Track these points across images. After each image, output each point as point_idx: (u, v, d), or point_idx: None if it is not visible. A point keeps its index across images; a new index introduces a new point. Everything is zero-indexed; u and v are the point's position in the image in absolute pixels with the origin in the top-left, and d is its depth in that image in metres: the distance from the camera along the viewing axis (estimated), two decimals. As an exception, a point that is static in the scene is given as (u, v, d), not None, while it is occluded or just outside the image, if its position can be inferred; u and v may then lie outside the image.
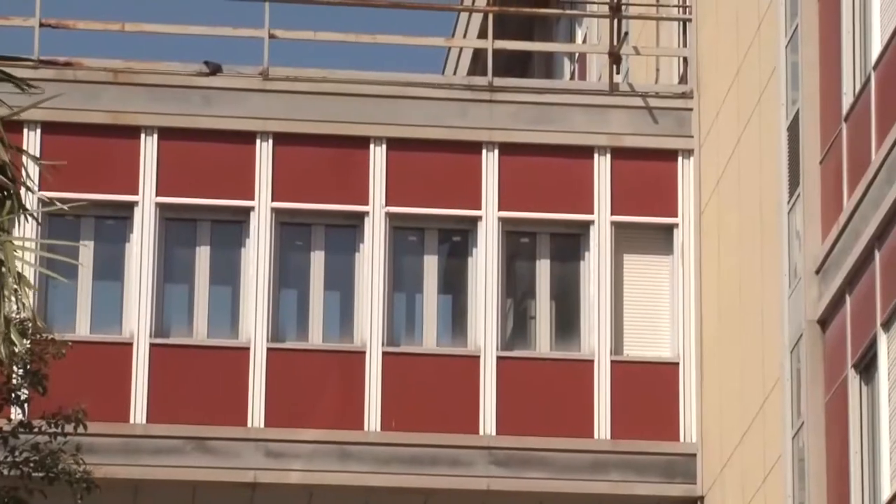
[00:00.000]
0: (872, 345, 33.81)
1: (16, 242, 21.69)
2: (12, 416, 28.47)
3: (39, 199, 24.99)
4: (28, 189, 23.12)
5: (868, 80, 34.59)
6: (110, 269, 39.94)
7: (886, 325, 33.32)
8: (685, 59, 43.78)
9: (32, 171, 26.01)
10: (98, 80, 40.03)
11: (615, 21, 45.32)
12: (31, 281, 22.70)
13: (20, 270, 22.32)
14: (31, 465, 29.37)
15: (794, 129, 37.43)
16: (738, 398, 39.51)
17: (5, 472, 28.47)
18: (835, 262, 35.17)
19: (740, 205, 40.04)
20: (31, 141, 34.04)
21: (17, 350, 23.44)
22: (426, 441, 39.71)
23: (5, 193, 22.76)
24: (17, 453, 29.14)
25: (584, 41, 50.17)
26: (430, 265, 41.29)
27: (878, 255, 33.82)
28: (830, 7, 36.50)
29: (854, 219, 34.31)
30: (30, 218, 24.35)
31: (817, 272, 35.82)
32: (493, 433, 40.13)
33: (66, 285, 37.25)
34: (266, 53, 41.15)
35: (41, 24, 39.82)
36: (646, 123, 41.86)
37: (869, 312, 34.00)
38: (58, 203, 25.39)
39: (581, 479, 40.38)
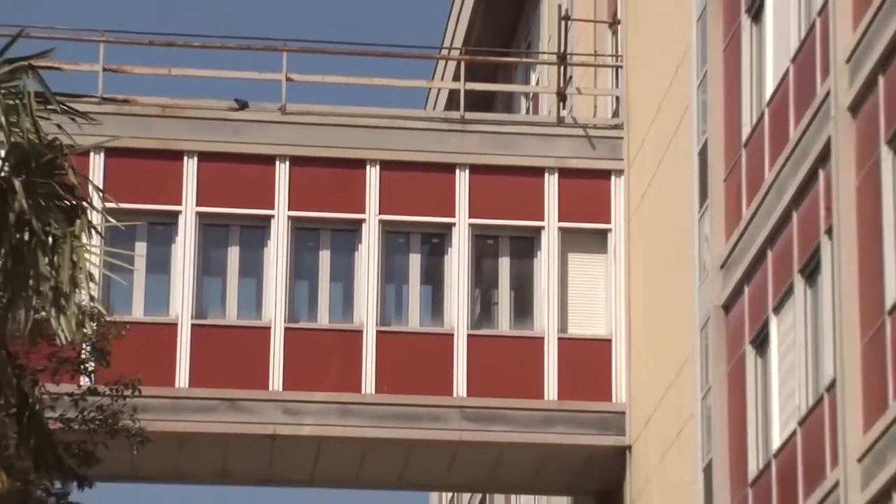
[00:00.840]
0: (765, 326, 34.21)
1: (86, 248, 21.89)
2: (81, 384, 28.33)
3: (103, 214, 24.83)
4: (92, 207, 23.18)
5: (762, 115, 34.97)
6: (160, 265, 40.24)
7: (776, 310, 33.83)
8: (617, 98, 44.04)
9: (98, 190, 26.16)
10: (149, 113, 40.27)
11: (562, 67, 45.55)
12: (97, 277, 22.82)
13: (90, 270, 22.45)
14: (97, 422, 29.40)
15: (703, 154, 37.74)
16: (659, 368, 39.86)
17: (76, 427, 28.31)
18: (735, 260, 35.58)
19: (661, 214, 40.37)
20: (97, 163, 34.26)
21: (86, 332, 23.45)
22: (411, 401, 39.95)
23: (77, 209, 22.87)
24: (85, 413, 29.14)
25: (537, 83, 50.33)
26: (415, 262, 41.59)
27: (769, 255, 34.31)
28: (732, 56, 36.86)
29: (751, 225, 34.77)
30: (96, 243, 24.33)
31: (721, 267, 36.20)
32: (465, 395, 40.40)
33: (125, 278, 37.38)
34: (284, 93, 41.29)
35: (104, 69, 39.97)
36: (586, 149, 42.07)
37: (763, 300, 34.36)
38: (113, 220, 25.51)
39: (534, 432, 40.62)
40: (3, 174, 22.33)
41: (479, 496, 57.27)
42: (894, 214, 28.75)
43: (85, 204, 23.46)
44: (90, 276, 22.79)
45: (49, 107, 23.14)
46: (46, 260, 22.16)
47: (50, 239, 22.13)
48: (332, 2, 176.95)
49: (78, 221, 22.83)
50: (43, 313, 22.32)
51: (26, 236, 22.02)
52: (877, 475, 28.41)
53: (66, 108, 23.50)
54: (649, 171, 41.22)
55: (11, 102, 22.42)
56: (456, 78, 50.21)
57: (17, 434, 22.99)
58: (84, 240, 23.16)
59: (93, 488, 30.98)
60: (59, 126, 23.17)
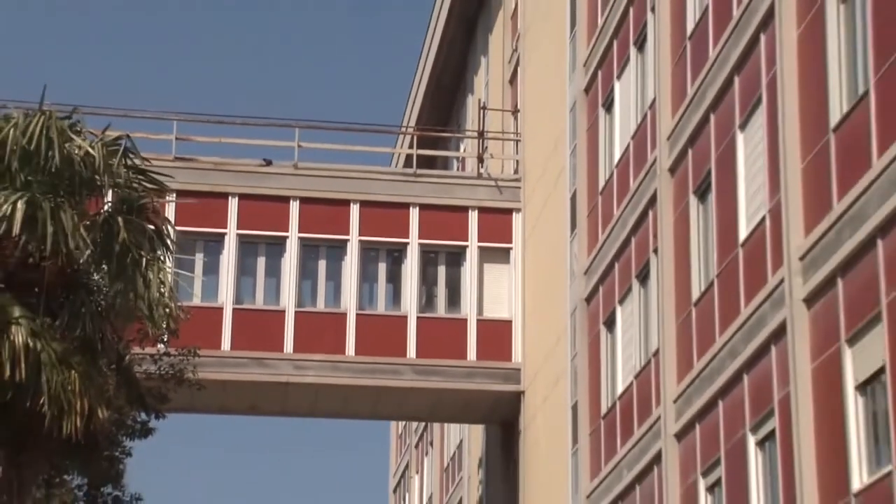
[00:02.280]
0: (613, 312, 34.50)
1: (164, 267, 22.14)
2: (158, 348, 28.37)
3: (173, 246, 25.04)
4: (168, 239, 23.41)
5: (612, 173, 35.20)
6: (211, 268, 40.30)
7: (621, 302, 34.06)
8: (517, 161, 43.96)
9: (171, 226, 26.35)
10: (205, 167, 40.24)
11: (480, 140, 45.65)
12: (169, 283, 23.03)
13: (167, 280, 22.66)
14: (168, 374, 29.55)
15: (573, 199, 37.79)
16: (543, 340, 39.86)
17: (154, 377, 28.36)
18: (594, 269, 35.79)
19: (545, 238, 40.40)
20: (171, 203, 33.79)
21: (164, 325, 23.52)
22: (379, 361, 39.98)
23: (160, 238, 23.09)
24: (160, 368, 29.25)
25: (464, 150, 50.23)
26: (382, 268, 41.51)
27: (616, 266, 34.44)
28: (593, 135, 36.95)
29: (604, 246, 35.02)
30: (170, 258, 24.46)
31: (584, 273, 36.33)
32: (415, 357, 40.40)
33: (188, 279, 37.61)
34: (296, 154, 41.29)
35: (176, 138, 40.26)
36: (496, 195, 42.13)
37: (611, 295, 34.71)
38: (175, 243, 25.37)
39: (460, 381, 40.68)
40: (108, 213, 22.53)
41: (423, 425, 57.13)
42: (698, 242, 29.07)
43: (165, 235, 23.90)
44: (165, 284, 23.10)
45: (138, 165, 23.41)
46: (140, 275, 22.43)
47: (143, 260, 22.35)
48: (327, 91, 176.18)
49: (160, 248, 23.14)
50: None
51: (127, 259, 22.23)
52: (685, 414, 28.69)
53: (150, 167, 23.79)
54: (538, 210, 41.23)
55: (116, 160, 22.61)
56: (410, 146, 50.44)
57: (115, 381, 23.12)
58: (165, 259, 23.55)
59: (164, 419, 31.32)
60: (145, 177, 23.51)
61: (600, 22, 36.71)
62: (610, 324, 34.72)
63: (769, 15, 25.53)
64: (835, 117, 22.78)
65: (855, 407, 21.48)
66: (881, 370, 20.61)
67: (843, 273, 22.09)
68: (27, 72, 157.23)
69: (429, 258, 41.95)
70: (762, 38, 26.02)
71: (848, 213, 21.82)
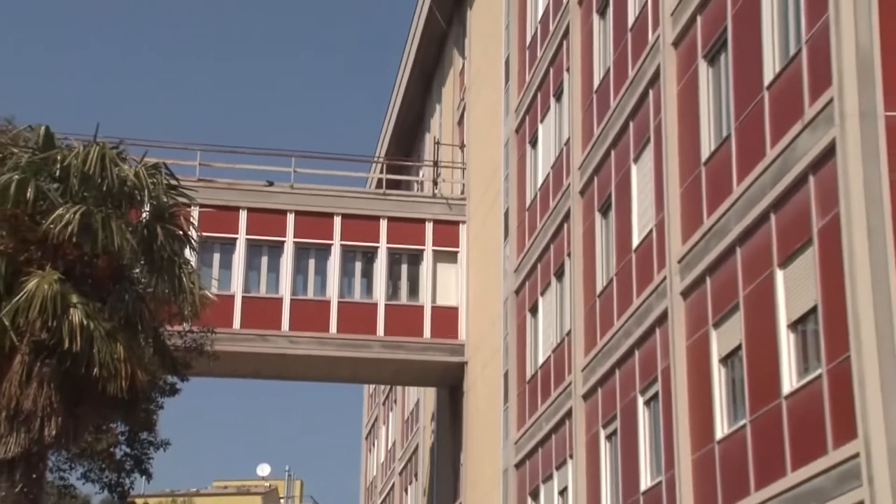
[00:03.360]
0: (536, 302, 34.30)
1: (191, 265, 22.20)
2: (184, 326, 27.86)
3: (197, 247, 25.07)
4: (193, 241, 23.50)
5: (536, 196, 34.97)
6: (226, 264, 39.69)
7: (542, 294, 33.86)
8: (463, 185, 43.85)
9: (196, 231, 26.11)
10: (222, 187, 40.03)
11: (435, 168, 45.77)
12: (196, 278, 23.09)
13: (191, 273, 22.67)
14: (192, 347, 29.49)
15: (506, 215, 37.55)
16: (483, 322, 39.57)
17: (182, 348, 28.22)
18: (521, 267, 35.57)
19: (485, 244, 40.15)
20: (196, 213, 33.43)
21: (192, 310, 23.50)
22: (355, 337, 39.71)
23: (187, 241, 23.18)
24: (186, 341, 29.16)
25: (422, 175, 50.15)
26: (358, 266, 41.10)
27: (539, 266, 34.04)
28: (522, 165, 36.65)
29: (530, 251, 34.80)
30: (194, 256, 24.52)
31: (514, 272, 36.05)
32: (383, 335, 40.07)
33: (207, 273, 37.53)
34: (292, 177, 41.07)
35: (200, 164, 39.99)
36: (447, 210, 41.94)
37: (535, 288, 34.33)
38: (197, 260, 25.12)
39: (418, 354, 40.52)
40: (147, 221, 22.61)
41: (388, 387, 56.98)
42: (601, 249, 29.08)
43: (190, 239, 23.97)
44: (190, 276, 23.16)
45: (172, 183, 23.47)
46: (171, 270, 22.52)
47: (174, 258, 22.43)
48: (318, 127, 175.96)
49: (186, 249, 23.23)
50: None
51: (161, 257, 22.34)
52: (590, 380, 28.66)
53: (179, 186, 23.83)
54: (479, 222, 41.04)
55: (153, 181, 22.66)
56: (381, 172, 50.20)
57: (151, 352, 23.16)
58: (189, 257, 23.65)
59: (188, 381, 31.35)
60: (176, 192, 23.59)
61: (527, 78, 36.70)
62: (533, 310, 34.55)
63: (656, 75, 25.60)
64: (705, 154, 22.90)
65: (719, 375, 21.69)
66: (738, 347, 20.87)
67: (710, 273, 22.21)
68: (84, 108, 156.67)
69: (394, 259, 41.56)
70: (651, 92, 26.04)
71: (714, 227, 21.96)
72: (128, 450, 32.74)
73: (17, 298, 20.57)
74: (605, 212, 29.04)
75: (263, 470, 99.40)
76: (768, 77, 20.47)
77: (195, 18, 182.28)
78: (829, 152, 17.94)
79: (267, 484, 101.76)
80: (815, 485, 17.61)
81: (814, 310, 18.31)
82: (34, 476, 20.90)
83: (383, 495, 57.94)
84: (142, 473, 33.15)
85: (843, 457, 16.87)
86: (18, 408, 20.31)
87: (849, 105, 17.53)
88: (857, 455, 16.47)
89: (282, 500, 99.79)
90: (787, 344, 19.19)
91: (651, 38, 26.22)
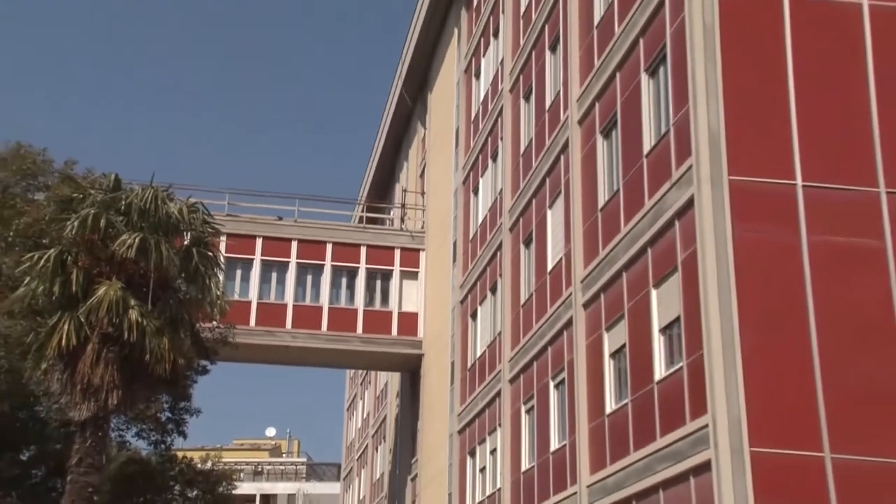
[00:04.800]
0: (476, 310, 33.87)
1: (218, 278, 22.15)
2: (213, 323, 27.44)
3: (223, 265, 25.01)
4: (221, 261, 23.44)
5: (476, 233, 34.54)
6: (245, 278, 39.21)
7: (480, 303, 33.30)
8: (423, 222, 43.47)
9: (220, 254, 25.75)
10: (244, 220, 39.55)
11: (402, 209, 45.62)
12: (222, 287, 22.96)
13: (219, 290, 22.67)
14: (218, 339, 29.13)
15: (455, 245, 37.08)
16: (437, 323, 39.12)
17: (210, 340, 27.60)
18: (465, 284, 35.04)
19: (439, 266, 39.78)
20: (224, 241, 33.17)
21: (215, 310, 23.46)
22: (341, 334, 39.47)
23: (216, 260, 23.12)
24: (214, 335, 28.73)
25: (392, 214, 49.85)
26: (344, 281, 40.55)
27: (479, 283, 33.54)
28: (467, 206, 36.39)
29: (471, 272, 34.26)
30: (221, 272, 24.45)
31: (460, 287, 35.75)
32: (361, 332, 39.78)
33: (231, 285, 37.37)
34: (296, 214, 40.73)
35: (228, 203, 39.88)
36: (411, 240, 41.74)
37: (475, 299, 33.89)
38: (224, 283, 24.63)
39: (387, 347, 40.37)
40: (187, 246, 22.64)
41: (365, 371, 56.69)
42: (525, 271, 28.93)
43: (219, 259, 23.94)
44: (220, 288, 23.19)
45: (207, 219, 23.49)
46: (204, 282, 22.54)
47: (207, 273, 22.45)
48: (315, 175, 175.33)
49: (215, 267, 23.23)
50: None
51: (197, 273, 22.35)
52: (514, 369, 28.46)
53: (212, 220, 23.85)
54: (435, 250, 40.70)
55: (193, 216, 22.68)
56: (362, 211, 50.21)
57: (189, 343, 23.13)
58: (217, 273, 23.60)
59: (215, 364, 31.25)
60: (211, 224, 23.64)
61: (472, 144, 36.61)
62: (474, 316, 34.24)
63: (565, 145, 25.61)
64: (601, 202, 22.90)
65: (609, 366, 21.67)
66: (623, 345, 20.84)
67: (604, 291, 22.18)
68: (145, 157, 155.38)
69: (371, 276, 41.05)
70: (562, 157, 26.03)
71: (607, 257, 21.97)
72: (170, 415, 32.74)
73: (90, 301, 20.60)
74: (527, 244, 28.90)
75: (270, 431, 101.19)
76: (646, 148, 20.53)
77: (235, 99, 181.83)
78: (689, 204, 18.04)
79: (273, 442, 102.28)
80: (676, 447, 17.71)
81: (677, 319, 18.31)
82: (100, 434, 20.82)
83: (360, 452, 57.70)
84: (180, 434, 33.16)
85: (696, 427, 16.97)
86: (89, 383, 20.29)
87: (703, 171, 17.66)
88: (706, 426, 16.55)
89: (283, 455, 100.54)
90: (658, 343, 19.21)
91: (563, 117, 26.25)
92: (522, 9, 31.58)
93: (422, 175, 46.51)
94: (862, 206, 17.73)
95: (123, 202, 21.95)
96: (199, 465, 38.81)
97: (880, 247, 17.51)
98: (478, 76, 37.08)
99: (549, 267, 26.56)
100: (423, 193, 45.52)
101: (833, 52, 18.66)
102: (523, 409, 27.78)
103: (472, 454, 32.66)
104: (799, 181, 17.74)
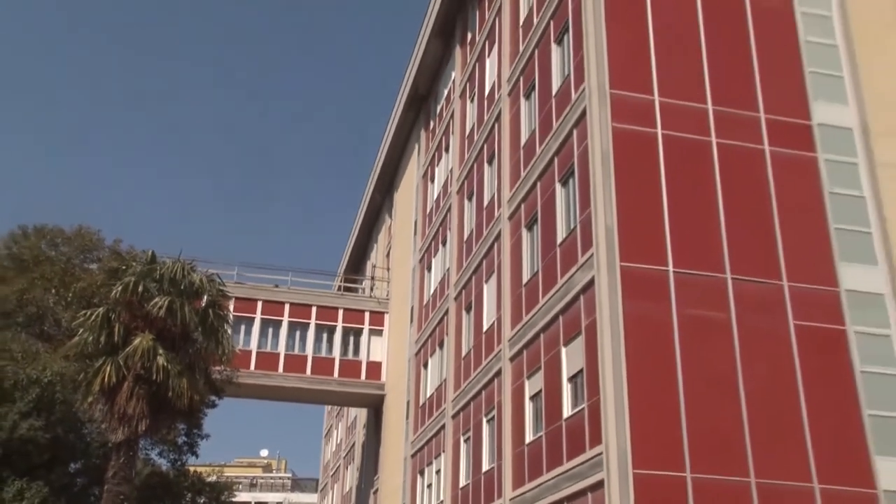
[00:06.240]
0: (427, 361, 33.09)
1: (228, 334, 21.88)
2: (222, 367, 26.72)
3: (231, 322, 24.79)
4: (229, 318, 23.12)
5: (429, 300, 34.08)
6: (248, 331, 38.60)
7: (431, 356, 32.58)
8: (388, 290, 42.94)
9: (229, 313, 25.16)
10: (248, 287, 39.20)
11: (371, 280, 45.32)
12: (230, 340, 22.72)
13: (227, 341, 22.37)
14: (225, 380, 28.45)
15: (412, 310, 36.59)
16: (396, 372, 38.47)
17: (219, 380, 27.00)
18: (419, 341, 34.36)
19: (399, 326, 39.14)
20: (232, 302, 32.69)
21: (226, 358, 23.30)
22: (321, 377, 39.01)
23: (226, 319, 22.85)
24: (222, 376, 27.98)
25: (363, 283, 49.02)
26: (325, 336, 39.88)
27: (429, 341, 32.99)
28: (422, 281, 35.86)
29: (423, 331, 33.54)
30: (229, 327, 24.18)
31: (415, 343, 35.07)
32: (338, 377, 39.08)
33: (237, 337, 36.89)
34: (289, 283, 40.45)
35: (237, 273, 39.59)
36: (377, 305, 41.32)
37: (427, 353, 33.13)
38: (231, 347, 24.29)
39: (357, 388, 39.73)
40: (204, 306, 22.60)
41: (339, 407, 55.91)
42: (466, 330, 28.55)
43: (228, 317, 23.71)
44: (228, 340, 23.07)
45: (220, 288, 23.46)
46: (216, 335, 22.40)
47: (218, 328, 22.35)
48: (306, 252, 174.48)
49: (225, 323, 23.06)
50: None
51: (211, 327, 22.18)
52: (456, 407, 28.04)
53: (224, 287, 23.82)
54: (396, 313, 40.10)
55: (210, 284, 22.67)
56: (341, 282, 49.70)
57: (202, 382, 22.96)
58: (227, 328, 23.46)
59: (222, 399, 30.83)
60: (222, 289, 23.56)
61: (426, 232, 36.37)
62: (425, 365, 33.72)
63: (498, 235, 25.58)
64: (525, 279, 22.87)
65: (528, 407, 21.54)
66: (540, 391, 20.69)
67: (526, 348, 22.04)
68: (174, 234, 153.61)
69: (346, 332, 40.41)
70: (496, 244, 25.93)
71: (528, 322, 21.87)
72: (185, 439, 32.23)
73: (127, 349, 20.59)
74: (468, 310, 28.64)
75: (263, 452, 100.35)
76: (559, 239, 20.65)
77: (244, 188, 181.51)
78: (591, 284, 18.23)
79: (265, 461, 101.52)
80: (578, 469, 17.73)
81: (581, 371, 18.26)
82: (131, 453, 20.62)
83: (333, 470, 56.82)
84: (192, 453, 32.64)
85: (593, 454, 17.04)
86: (124, 413, 20.18)
87: (601, 258, 17.92)
88: (601, 453, 16.65)
89: (273, 471, 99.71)
90: (566, 389, 19.10)
91: (496, 214, 26.30)
92: (467, 131, 31.88)
93: (388, 255, 46.20)
94: (714, 287, 18.18)
95: (157, 272, 21.96)
96: (206, 478, 38.21)
97: (727, 319, 17.97)
98: (432, 181, 37.18)
99: (485, 328, 26.26)
100: (388, 269, 45.15)
101: (692, 174, 19.25)
102: (462, 439, 27.49)
103: (422, 473, 32.22)
104: (671, 268, 18.19)
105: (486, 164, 28.78)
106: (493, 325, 25.52)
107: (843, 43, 21.42)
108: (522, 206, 23.96)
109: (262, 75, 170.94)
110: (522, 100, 25.18)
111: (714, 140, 19.72)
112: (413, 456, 33.76)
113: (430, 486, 31.15)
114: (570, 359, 19.17)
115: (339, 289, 47.48)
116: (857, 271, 18.83)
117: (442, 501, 28.71)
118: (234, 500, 44.30)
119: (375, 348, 40.81)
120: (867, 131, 20.50)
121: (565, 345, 19.49)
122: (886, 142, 20.30)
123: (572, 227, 19.96)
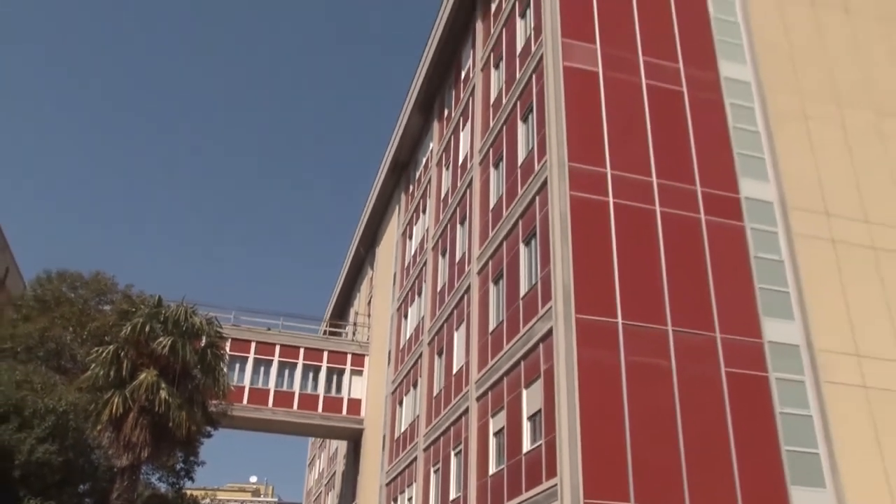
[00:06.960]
0: (402, 399, 32.78)
1: (224, 371, 21.55)
2: (216, 401, 25.54)
3: (227, 360, 24.44)
4: (224, 357, 22.85)
5: (405, 344, 33.59)
6: (241, 369, 37.90)
7: (406, 394, 32.20)
8: (369, 335, 42.62)
9: (225, 352, 24.82)
10: (243, 330, 38.79)
11: (354, 326, 44.84)
12: (226, 376, 22.35)
13: (223, 378, 22.04)
14: (221, 411, 27.38)
15: (390, 353, 36.19)
16: (374, 408, 37.96)
17: (215, 412, 25.85)
18: (395, 380, 33.85)
19: (378, 367, 38.73)
20: (229, 343, 32.39)
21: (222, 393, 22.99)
22: (307, 413, 38.38)
23: (222, 357, 22.56)
24: (218, 409, 26.88)
25: (347, 329, 48.50)
26: (312, 374, 39.49)
27: (405, 381, 32.50)
28: (399, 327, 35.59)
29: (400, 372, 33.12)
30: (225, 365, 23.86)
31: (392, 382, 34.58)
32: (321, 411, 38.62)
33: (232, 374, 36.37)
34: (280, 326, 40.08)
35: (234, 316, 39.21)
36: (359, 348, 40.91)
37: (402, 392, 32.65)
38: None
39: (339, 423, 39.18)
40: (203, 347, 22.40)
41: (322, 439, 55.35)
42: (438, 373, 28.22)
43: (224, 356, 23.46)
44: (224, 377, 22.79)
45: (217, 328, 23.26)
46: (213, 372, 22.12)
47: (215, 366, 22.08)
48: (294, 299, 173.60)
49: (221, 362, 22.80)
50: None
51: (209, 366, 21.93)
52: (427, 441, 27.58)
53: (221, 329, 23.60)
54: (376, 356, 39.69)
55: (209, 326, 22.46)
56: (326, 326, 49.37)
57: (200, 413, 22.65)
58: (223, 366, 23.18)
59: (217, 430, 30.26)
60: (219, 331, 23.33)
61: (404, 284, 36.22)
62: (400, 403, 33.37)
63: (468, 289, 25.49)
64: (491, 328, 22.77)
65: (493, 442, 21.34)
66: (503, 428, 20.56)
67: (491, 389, 21.91)
68: (175, 281, 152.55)
69: (330, 372, 39.91)
70: (466, 296, 25.92)
71: (493, 366, 21.78)
72: (183, 465, 31.64)
73: (133, 383, 20.35)
74: (440, 355, 28.51)
75: (253, 478, 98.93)
76: (522, 293, 20.69)
77: (245, 239, 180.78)
78: (549, 332, 18.29)
79: (255, 486, 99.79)
80: (535, 500, 17.59)
81: (539, 411, 18.24)
82: (134, 477, 20.30)
83: (316, 496, 55.90)
84: (189, 478, 32.02)
85: (549, 485, 16.97)
86: (129, 440, 19.90)
87: (559, 311, 18.00)
88: (556, 484, 16.58)
89: (262, 496, 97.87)
90: (526, 427, 19.04)
91: (467, 269, 26.30)
92: (442, 195, 32.07)
93: (369, 303, 45.90)
94: (657, 337, 18.31)
95: (163, 314, 21.78)
96: (201, 501, 37.52)
97: (668, 365, 18.10)
98: (410, 238, 37.16)
99: (454, 371, 26.11)
100: (369, 316, 44.86)
101: (639, 238, 19.51)
102: (432, 470, 27.18)
103: (395, 500, 31.69)
104: (620, 320, 18.28)
105: (458, 225, 28.90)
106: (462, 368, 25.40)
107: (763, 130, 21.96)
108: (490, 262, 23.95)
109: (264, 143, 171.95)
110: (492, 169, 25.44)
111: (658, 209, 20.02)
112: (388, 484, 33.26)
113: (402, 512, 30.77)
114: (530, 400, 19.09)
115: (325, 333, 47.16)
116: (777, 325, 19.11)
117: (413, 526, 28.28)
118: None
119: (356, 387, 40.34)
120: (785, 205, 20.97)
121: (526, 387, 19.44)
122: (800, 215, 20.81)
123: (534, 282, 20.00)
